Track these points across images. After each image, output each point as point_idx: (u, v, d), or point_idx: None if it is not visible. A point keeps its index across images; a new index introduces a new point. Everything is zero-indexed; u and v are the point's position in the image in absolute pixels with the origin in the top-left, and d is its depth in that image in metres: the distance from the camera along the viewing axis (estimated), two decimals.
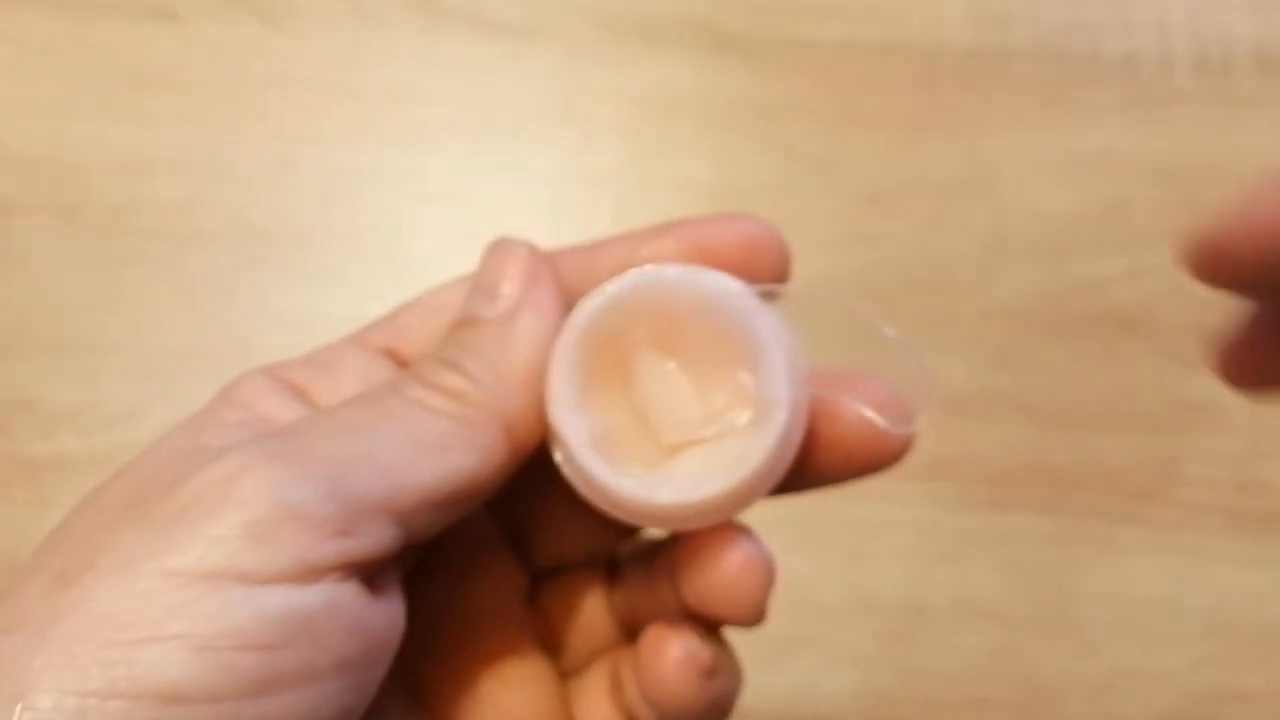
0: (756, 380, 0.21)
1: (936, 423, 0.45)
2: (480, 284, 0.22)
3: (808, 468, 0.22)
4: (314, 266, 0.48)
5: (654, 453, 0.22)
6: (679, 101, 0.50)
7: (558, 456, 0.22)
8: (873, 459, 0.22)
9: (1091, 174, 0.49)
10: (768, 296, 0.22)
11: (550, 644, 0.25)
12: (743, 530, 0.21)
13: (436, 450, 0.19)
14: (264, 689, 0.17)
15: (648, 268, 0.22)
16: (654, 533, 0.24)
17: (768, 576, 0.21)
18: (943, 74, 0.50)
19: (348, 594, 0.18)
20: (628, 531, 0.25)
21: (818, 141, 0.50)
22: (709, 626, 0.23)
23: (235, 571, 0.17)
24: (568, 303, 0.22)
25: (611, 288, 0.21)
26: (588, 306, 0.21)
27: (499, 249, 0.23)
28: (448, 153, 0.50)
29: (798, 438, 0.21)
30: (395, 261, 0.48)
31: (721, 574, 0.21)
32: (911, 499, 0.44)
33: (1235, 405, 0.46)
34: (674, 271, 0.22)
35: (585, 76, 0.51)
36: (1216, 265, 0.20)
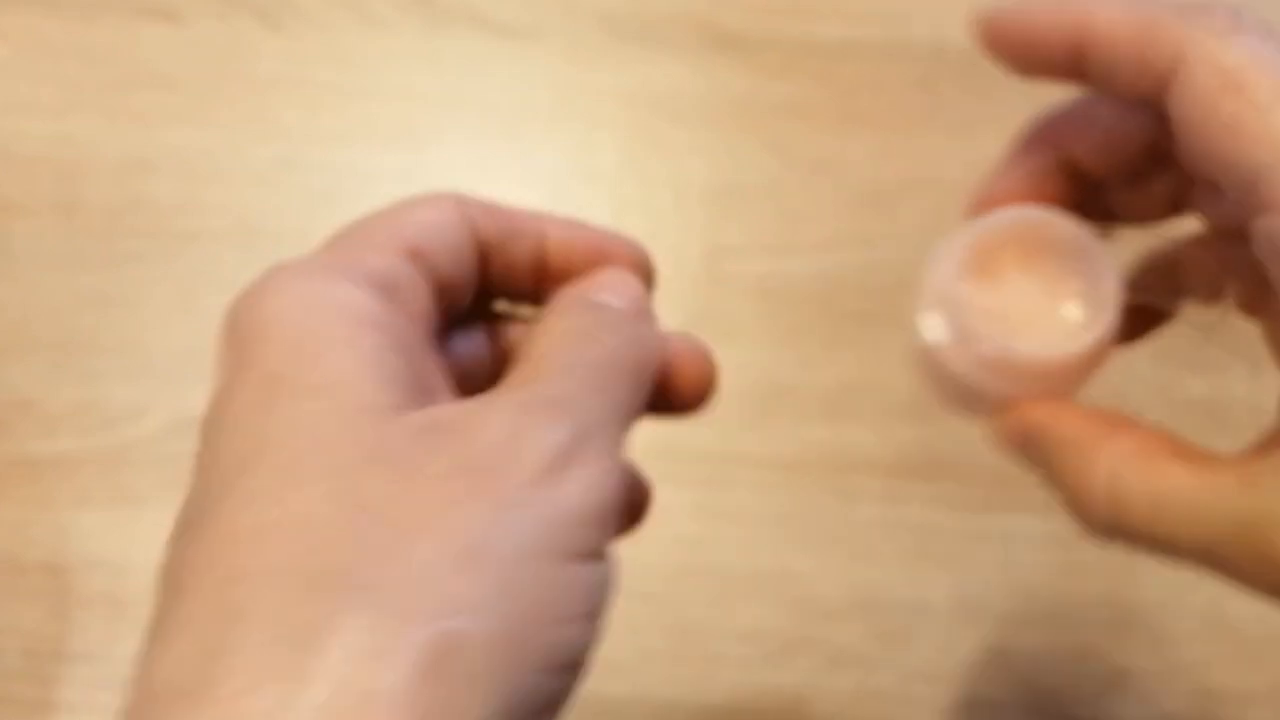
0: (1090, 292, 0.28)
1: (936, 423, 0.45)
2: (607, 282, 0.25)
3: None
4: None
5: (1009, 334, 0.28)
6: (679, 101, 0.50)
7: (930, 323, 0.28)
8: None
9: None
10: (1102, 236, 0.28)
11: None
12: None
13: None
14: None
15: (1016, 208, 0.29)
16: None
17: None
18: (943, 74, 0.50)
19: None
20: None
21: (818, 141, 0.50)
22: None
23: (583, 551, 0.19)
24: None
25: (994, 217, 0.29)
26: (979, 225, 0.29)
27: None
28: (448, 153, 0.50)
29: (1112, 336, 0.28)
30: None
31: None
32: (911, 499, 0.44)
33: (1235, 405, 0.46)
34: (1036, 212, 0.28)
35: (585, 76, 0.51)
36: (997, 47, 0.26)
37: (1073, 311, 0.28)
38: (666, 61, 0.51)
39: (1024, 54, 0.27)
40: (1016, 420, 0.26)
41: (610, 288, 0.24)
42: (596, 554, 0.19)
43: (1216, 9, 0.21)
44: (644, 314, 0.24)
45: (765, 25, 0.51)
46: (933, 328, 0.27)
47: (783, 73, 0.51)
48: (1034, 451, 0.25)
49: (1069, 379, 0.28)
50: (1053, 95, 0.30)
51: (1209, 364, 0.46)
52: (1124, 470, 0.23)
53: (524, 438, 0.19)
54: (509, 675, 0.17)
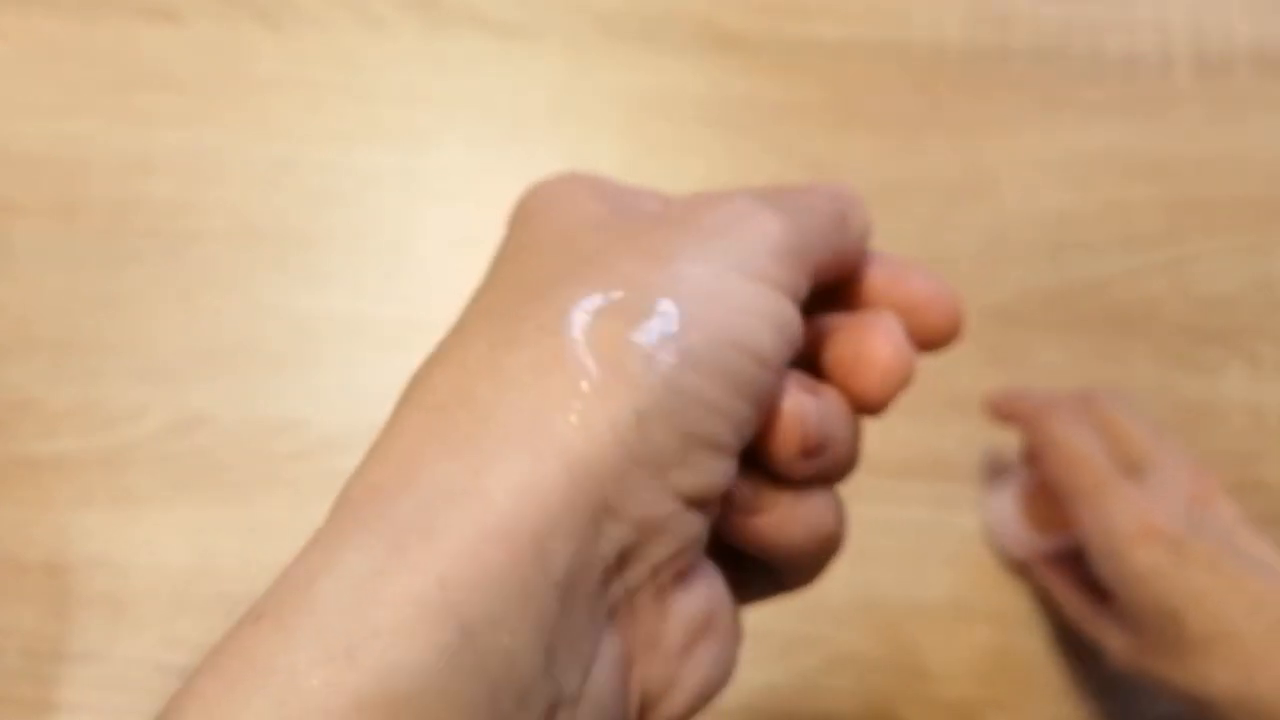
0: None
1: (937, 423, 0.45)
2: None
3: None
4: (314, 266, 0.48)
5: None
6: (679, 101, 0.50)
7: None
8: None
9: (1091, 174, 0.49)
10: None
11: None
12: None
13: None
14: (782, 368, 0.21)
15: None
16: None
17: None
18: (943, 74, 0.50)
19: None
20: None
21: (818, 141, 0.50)
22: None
23: (773, 281, 0.21)
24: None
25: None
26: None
27: None
28: (448, 153, 0.50)
29: None
30: (395, 261, 0.48)
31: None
32: (911, 499, 0.44)
33: (1235, 405, 0.46)
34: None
35: (585, 76, 0.51)
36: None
37: None
38: (666, 61, 0.51)
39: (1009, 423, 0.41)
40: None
41: None
42: (780, 286, 0.21)
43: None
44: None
45: (765, 25, 0.51)
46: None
47: (783, 73, 0.51)
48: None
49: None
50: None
51: (1209, 364, 0.46)
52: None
53: (749, 215, 0.21)
54: (711, 348, 0.20)
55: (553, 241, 0.22)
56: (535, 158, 0.50)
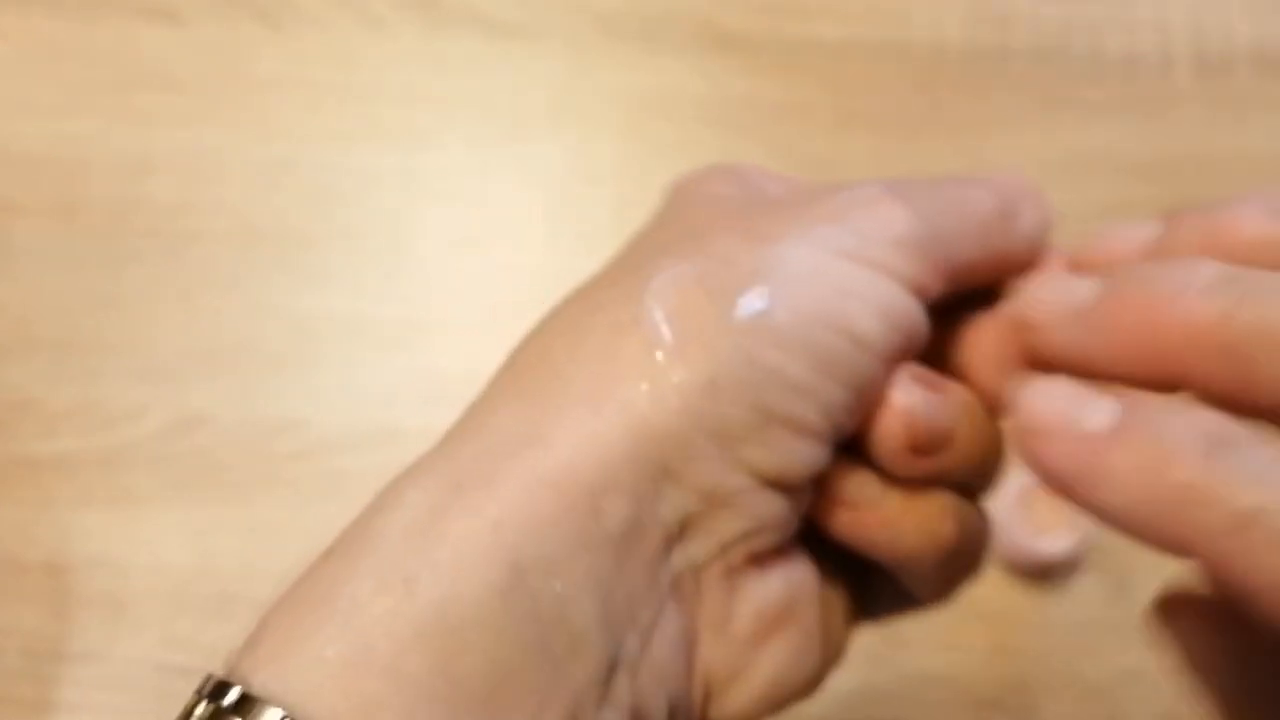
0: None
1: None
2: None
3: None
4: (314, 266, 0.48)
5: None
6: (679, 101, 0.50)
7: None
8: None
9: (1091, 174, 0.49)
10: None
11: None
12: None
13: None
14: (891, 359, 0.20)
15: None
16: None
17: None
18: (943, 74, 0.50)
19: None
20: None
21: (818, 141, 0.50)
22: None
23: (887, 269, 0.20)
24: None
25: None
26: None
27: None
28: (448, 153, 0.50)
29: None
30: (395, 261, 0.48)
31: None
32: None
33: None
34: None
35: (585, 76, 0.51)
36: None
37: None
38: (666, 61, 0.51)
39: None
40: None
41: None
42: (897, 276, 0.20)
43: None
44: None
45: (765, 25, 0.51)
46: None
47: (783, 73, 0.51)
48: None
49: None
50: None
51: None
52: None
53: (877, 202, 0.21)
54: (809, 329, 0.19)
55: (668, 221, 0.22)
56: (535, 158, 0.50)
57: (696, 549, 0.20)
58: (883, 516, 0.21)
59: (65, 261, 0.48)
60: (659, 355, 0.19)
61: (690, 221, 0.22)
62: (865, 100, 0.50)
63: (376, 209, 0.48)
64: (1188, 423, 0.17)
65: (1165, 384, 0.18)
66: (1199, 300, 0.17)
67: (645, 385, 0.19)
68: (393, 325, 0.47)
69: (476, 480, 0.18)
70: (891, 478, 0.21)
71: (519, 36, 0.51)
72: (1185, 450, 0.16)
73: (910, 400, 0.20)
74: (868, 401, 0.20)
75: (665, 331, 0.19)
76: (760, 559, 0.20)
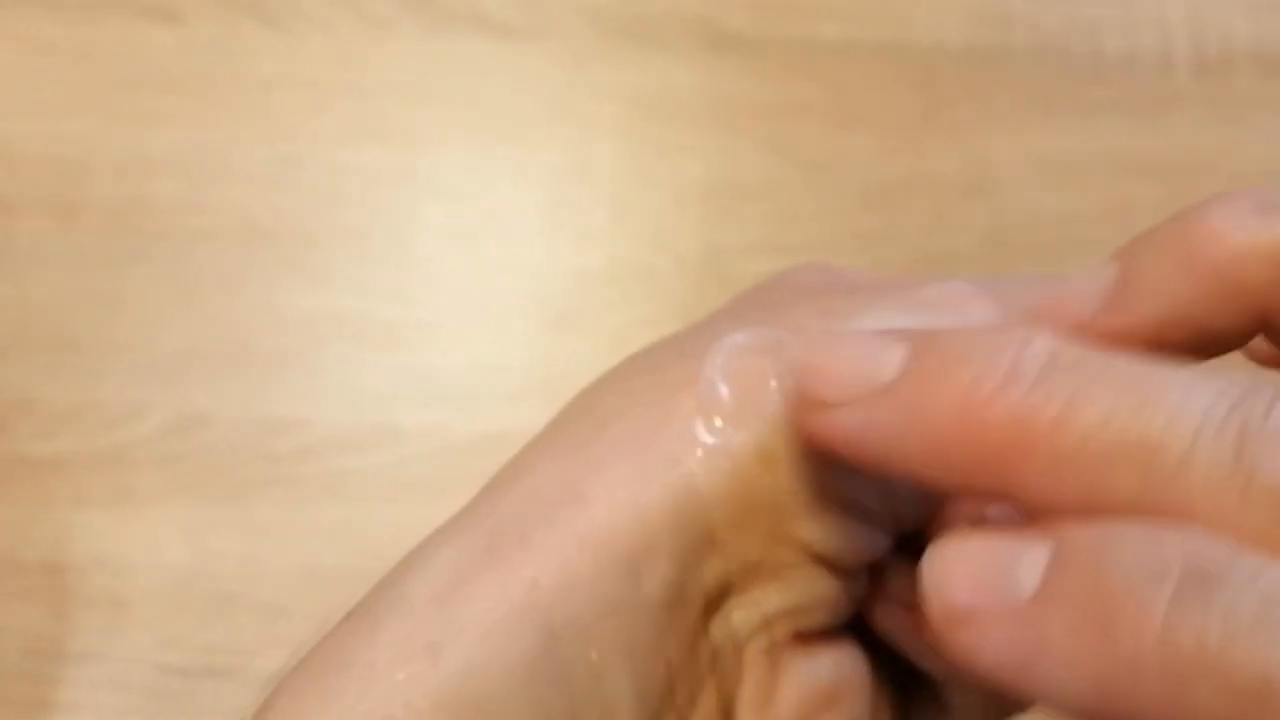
0: None
1: None
2: None
3: None
4: (314, 266, 0.48)
5: None
6: (679, 101, 0.50)
7: None
8: None
9: (1091, 174, 0.49)
10: None
11: None
12: None
13: None
14: None
15: None
16: None
17: None
18: (943, 74, 0.50)
19: None
20: None
21: (817, 141, 0.50)
22: None
23: None
24: None
25: None
26: None
27: None
28: (448, 153, 0.50)
29: None
30: (395, 261, 0.48)
31: None
32: None
33: None
34: None
35: (585, 76, 0.51)
36: None
37: None
38: (666, 61, 0.51)
39: None
40: None
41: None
42: None
43: None
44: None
45: (765, 25, 0.51)
46: None
47: (783, 73, 0.51)
48: None
49: None
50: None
51: (1209, 363, 0.46)
52: None
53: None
54: None
55: (746, 298, 0.21)
56: (535, 158, 0.50)
57: (739, 621, 0.19)
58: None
59: (65, 261, 0.48)
60: (715, 419, 0.18)
61: (767, 298, 0.21)
62: (865, 100, 0.50)
63: (377, 208, 0.48)
64: (1144, 552, 0.12)
65: (991, 494, 0.15)
66: (1024, 395, 0.14)
67: (696, 448, 0.18)
68: (393, 325, 0.47)
69: (511, 539, 0.17)
70: None
71: (519, 36, 0.51)
72: (1142, 598, 0.12)
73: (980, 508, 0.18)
74: (935, 497, 0.19)
75: (723, 394, 0.18)
76: (807, 641, 0.19)
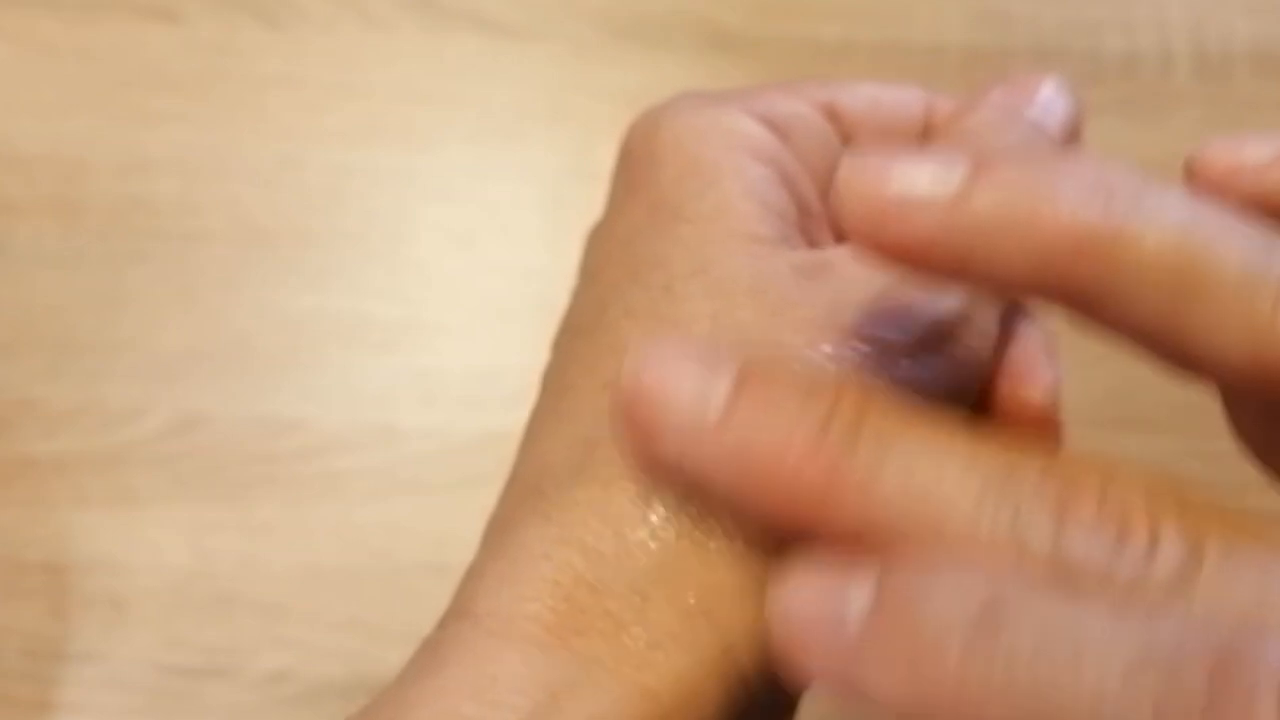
0: None
1: None
2: None
3: None
4: (315, 266, 0.48)
5: None
6: None
7: None
8: None
9: None
10: None
11: None
12: None
13: None
14: None
15: None
16: None
17: None
18: (943, 74, 0.50)
19: None
20: None
21: None
22: None
23: None
24: None
25: None
26: None
27: None
28: (448, 153, 0.50)
29: None
30: (395, 261, 0.48)
31: None
32: None
33: None
34: None
35: (585, 76, 0.51)
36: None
37: None
38: (666, 61, 0.51)
39: None
40: None
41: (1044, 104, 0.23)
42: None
43: None
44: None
45: (765, 25, 0.51)
46: None
47: (783, 73, 0.51)
48: None
49: None
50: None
51: None
52: None
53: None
54: None
55: (686, 288, 0.21)
56: (535, 158, 0.50)
57: None
58: None
59: (65, 261, 0.48)
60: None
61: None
62: None
63: (376, 209, 0.48)
64: (948, 597, 0.13)
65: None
66: (837, 454, 0.15)
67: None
68: (393, 325, 0.47)
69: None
70: None
71: (519, 36, 0.51)
72: (941, 642, 0.13)
73: None
74: None
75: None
76: None
